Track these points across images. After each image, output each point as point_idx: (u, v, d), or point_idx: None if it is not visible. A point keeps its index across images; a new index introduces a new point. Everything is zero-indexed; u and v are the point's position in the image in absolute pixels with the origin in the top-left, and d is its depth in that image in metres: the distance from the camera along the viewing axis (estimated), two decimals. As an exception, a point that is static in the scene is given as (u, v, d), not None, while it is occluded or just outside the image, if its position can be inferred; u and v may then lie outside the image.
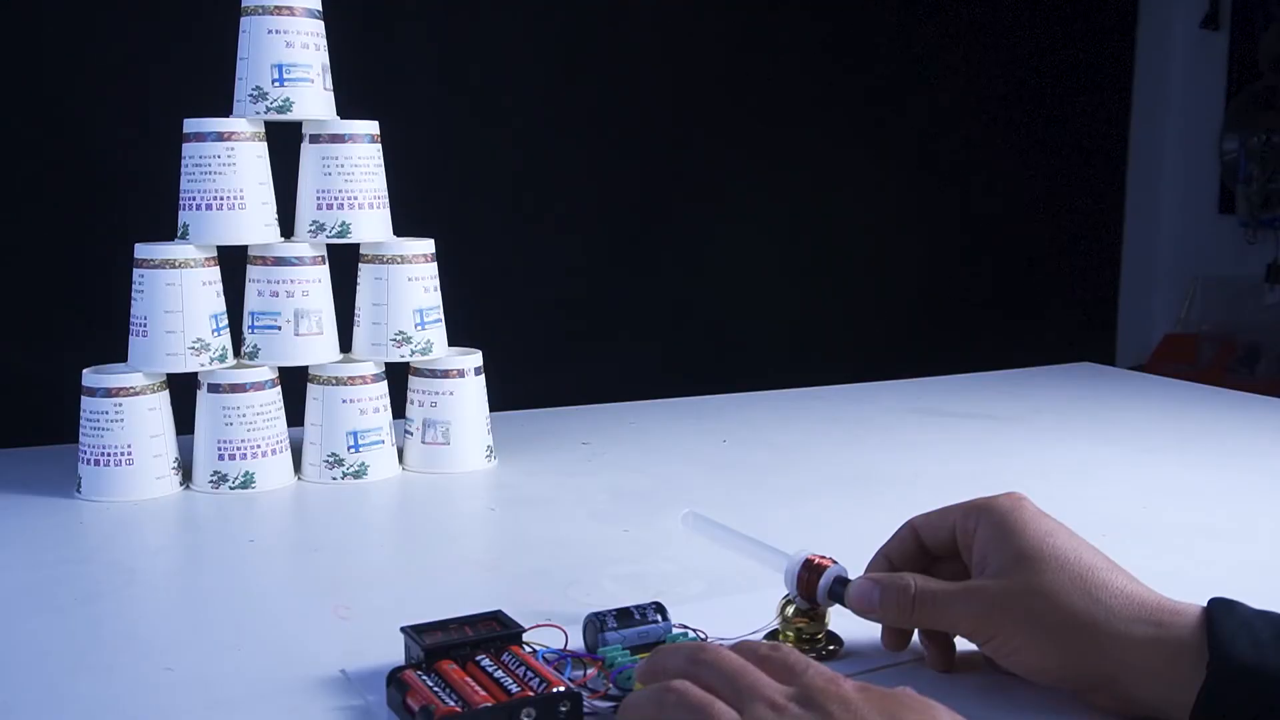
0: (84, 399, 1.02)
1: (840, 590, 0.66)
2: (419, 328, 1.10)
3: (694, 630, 0.68)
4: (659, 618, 0.67)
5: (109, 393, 1.01)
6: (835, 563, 0.68)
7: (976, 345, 2.26)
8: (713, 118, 2.88)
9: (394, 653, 0.65)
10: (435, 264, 1.12)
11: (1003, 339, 3.13)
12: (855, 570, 0.68)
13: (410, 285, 1.10)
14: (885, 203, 3.10)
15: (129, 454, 1.01)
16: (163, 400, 1.04)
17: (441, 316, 1.13)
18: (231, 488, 1.03)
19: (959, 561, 0.66)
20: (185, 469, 1.06)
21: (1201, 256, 3.41)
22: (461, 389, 1.11)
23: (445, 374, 1.11)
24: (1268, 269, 3.21)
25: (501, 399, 1.19)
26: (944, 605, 0.62)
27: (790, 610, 0.68)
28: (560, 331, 2.72)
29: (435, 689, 0.59)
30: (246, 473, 1.04)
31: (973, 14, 3.19)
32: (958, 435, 1.30)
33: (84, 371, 1.03)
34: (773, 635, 0.69)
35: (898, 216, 3.13)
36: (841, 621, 0.68)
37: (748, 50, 2.92)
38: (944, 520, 0.66)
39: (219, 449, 1.03)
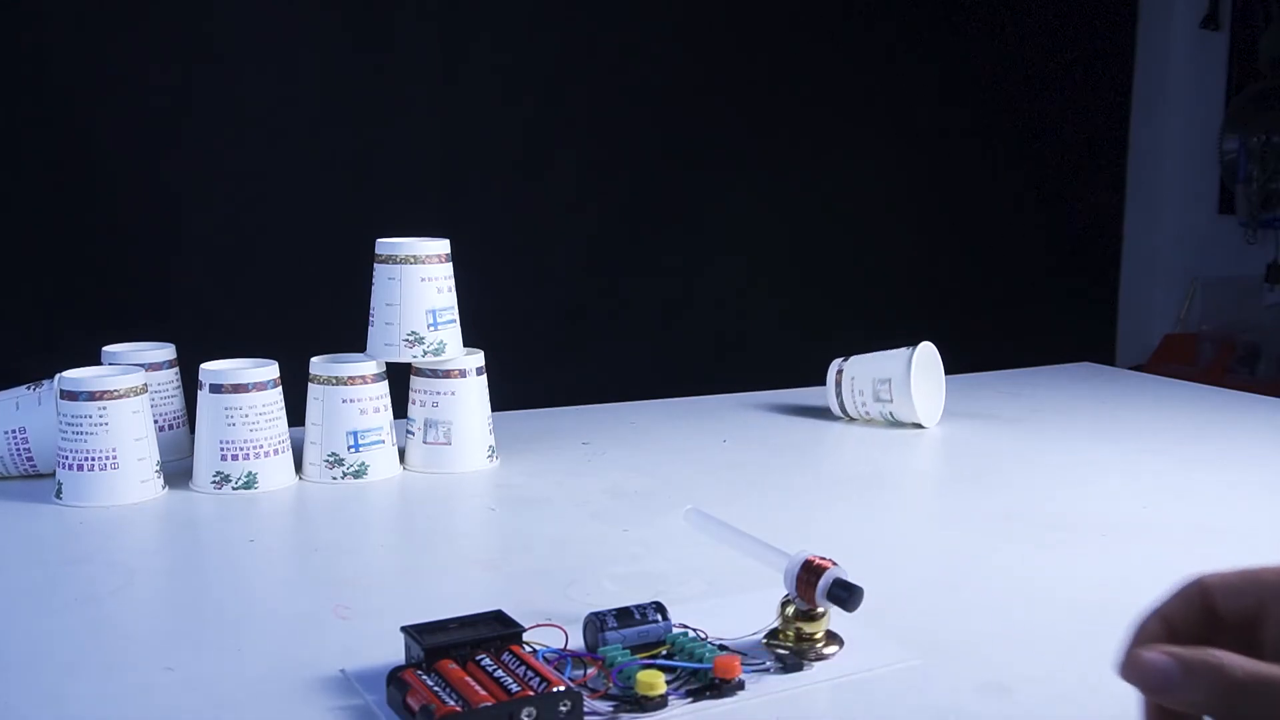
0: (62, 403, 0.99)
1: (840, 594, 0.66)
2: (432, 328, 1.10)
3: (694, 630, 0.68)
4: (659, 618, 0.67)
5: (92, 396, 0.98)
6: (835, 564, 0.68)
7: (976, 345, 2.25)
8: (712, 120, 2.87)
9: (394, 653, 0.65)
10: (450, 264, 1.12)
11: (1003, 339, 3.13)
12: (856, 572, 0.68)
13: (424, 285, 1.10)
14: (885, 202, 3.10)
15: (114, 458, 0.99)
16: (144, 403, 1.02)
17: (456, 317, 1.12)
18: (235, 488, 1.03)
19: (1245, 632, 0.54)
20: (185, 470, 1.06)
21: (1201, 256, 3.41)
22: (463, 389, 1.11)
23: (447, 374, 1.11)
24: (1268, 269, 3.21)
25: (502, 399, 1.19)
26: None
27: (791, 610, 0.68)
28: (561, 331, 2.72)
29: (435, 689, 0.59)
30: (249, 473, 1.03)
31: (972, 13, 3.19)
32: (958, 435, 1.30)
33: (60, 375, 1.01)
34: (773, 635, 0.69)
35: (897, 216, 3.13)
36: (842, 621, 0.68)
37: (747, 50, 2.92)
38: (1249, 585, 0.56)
39: (222, 449, 1.03)
